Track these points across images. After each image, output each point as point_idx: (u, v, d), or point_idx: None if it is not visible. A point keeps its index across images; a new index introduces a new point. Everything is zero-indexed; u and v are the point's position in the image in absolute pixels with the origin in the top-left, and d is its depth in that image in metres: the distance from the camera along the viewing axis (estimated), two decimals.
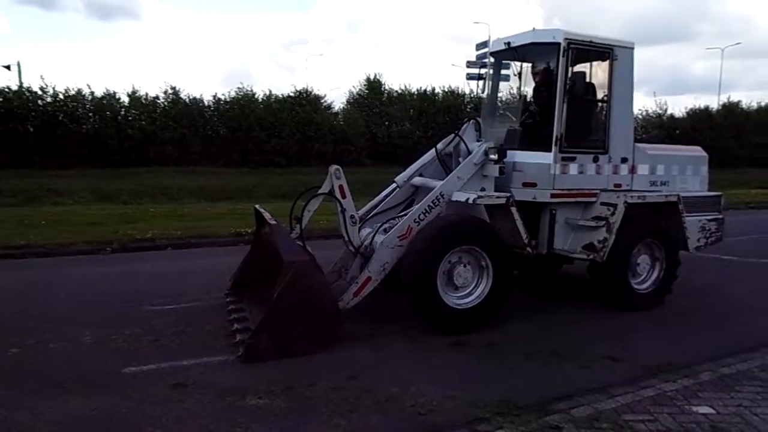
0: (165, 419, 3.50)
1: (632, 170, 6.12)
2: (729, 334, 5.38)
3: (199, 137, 24.26)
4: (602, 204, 5.85)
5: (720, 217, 6.69)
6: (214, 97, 25.52)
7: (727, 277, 7.84)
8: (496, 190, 5.58)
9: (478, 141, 5.95)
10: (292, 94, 26.92)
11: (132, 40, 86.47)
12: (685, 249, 6.34)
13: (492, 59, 6.88)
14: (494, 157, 5.45)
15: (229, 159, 24.19)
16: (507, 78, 6.92)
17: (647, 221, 6.04)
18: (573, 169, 5.75)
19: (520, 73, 6.60)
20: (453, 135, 6.06)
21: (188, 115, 24.18)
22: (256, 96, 26.05)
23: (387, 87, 30.47)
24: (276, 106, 25.80)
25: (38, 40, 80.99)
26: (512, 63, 6.65)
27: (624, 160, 6.04)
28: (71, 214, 12.67)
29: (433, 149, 6.19)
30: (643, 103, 53.55)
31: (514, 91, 7.08)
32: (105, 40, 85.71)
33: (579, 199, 5.88)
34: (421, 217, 5.31)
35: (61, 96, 22.45)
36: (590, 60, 6.05)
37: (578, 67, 5.97)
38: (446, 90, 30.30)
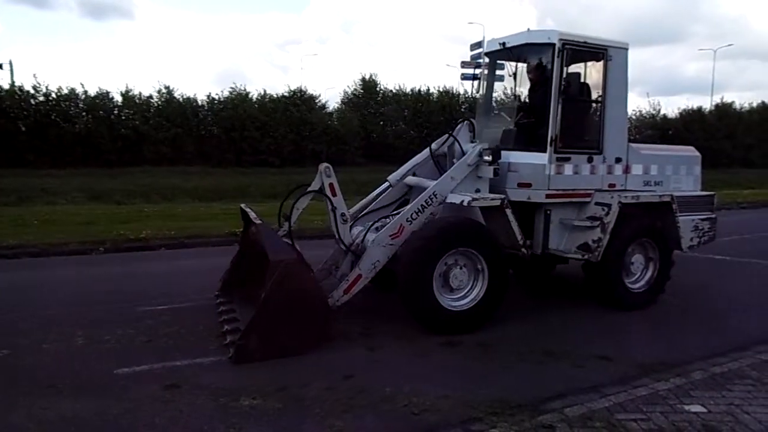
0: (158, 420, 3.48)
1: (626, 170, 6.15)
2: (721, 334, 5.41)
3: (192, 137, 24.16)
4: (597, 204, 5.88)
5: (713, 216, 6.73)
6: (208, 96, 25.46)
7: (720, 277, 7.89)
8: (491, 191, 5.59)
9: (472, 142, 5.96)
10: (286, 94, 26.88)
11: (126, 39, 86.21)
12: (679, 248, 6.38)
13: (486, 59, 6.90)
14: (488, 158, 5.45)
15: (223, 159, 24.12)
16: (501, 78, 6.93)
17: (641, 221, 6.07)
18: (568, 169, 5.76)
19: (514, 74, 6.60)
20: (447, 135, 6.06)
21: (182, 115, 24.08)
22: (250, 96, 25.99)
23: (382, 87, 30.51)
24: (270, 105, 25.74)
25: (31, 39, 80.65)
26: (507, 63, 6.66)
27: (618, 160, 6.06)
28: (64, 213, 12.60)
29: (427, 149, 6.19)
30: (636, 103, 53.90)
31: (509, 91, 7.09)
32: (98, 40, 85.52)
33: (574, 200, 5.90)
34: (414, 216, 5.31)
35: (54, 95, 22.32)
36: (584, 60, 6.07)
37: (573, 68, 5.98)
38: (441, 90, 30.35)
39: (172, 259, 8.81)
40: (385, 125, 29.08)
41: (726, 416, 3.51)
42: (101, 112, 22.71)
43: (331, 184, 5.32)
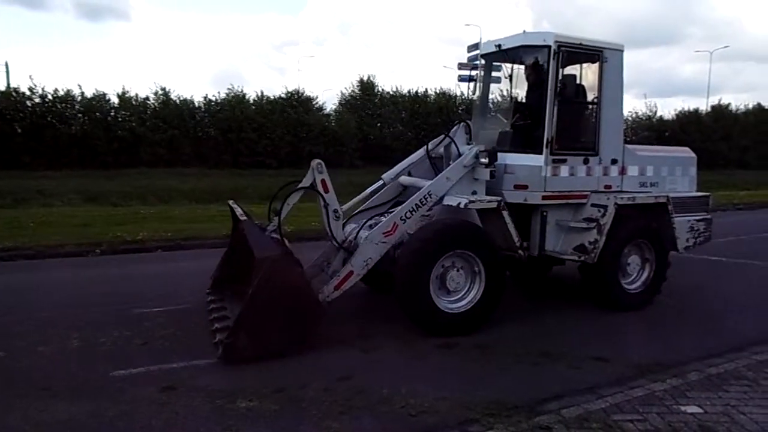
0: (154, 422, 3.47)
1: (622, 171, 6.17)
2: (717, 334, 5.42)
3: (189, 138, 24.17)
4: (593, 205, 5.89)
5: (708, 217, 6.75)
6: (205, 98, 25.51)
7: (716, 278, 7.91)
8: (487, 193, 5.59)
9: (468, 143, 5.96)
10: (283, 96, 26.90)
11: (122, 41, 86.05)
12: (675, 249, 6.39)
13: (483, 61, 6.92)
14: (484, 161, 5.45)
15: (220, 160, 24.11)
16: (498, 80, 6.96)
17: (637, 222, 6.08)
18: (564, 170, 5.77)
19: (510, 75, 6.63)
20: (443, 135, 6.07)
21: (178, 117, 24.10)
22: (247, 97, 26.01)
23: (379, 89, 30.54)
24: (267, 107, 25.77)
25: (26, 40, 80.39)
26: (503, 65, 6.68)
27: (614, 162, 6.08)
28: (60, 215, 12.54)
29: (423, 148, 6.19)
30: (633, 105, 54.11)
31: (505, 93, 7.12)
32: (95, 41, 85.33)
33: (570, 201, 5.91)
34: (408, 215, 5.29)
35: (50, 97, 22.32)
36: (580, 62, 6.10)
37: (568, 70, 6.00)
38: (438, 92, 30.45)
39: (169, 261, 8.79)
40: (383, 127, 29.11)
41: (722, 417, 3.51)
42: (97, 113, 22.70)
43: (323, 181, 5.27)
